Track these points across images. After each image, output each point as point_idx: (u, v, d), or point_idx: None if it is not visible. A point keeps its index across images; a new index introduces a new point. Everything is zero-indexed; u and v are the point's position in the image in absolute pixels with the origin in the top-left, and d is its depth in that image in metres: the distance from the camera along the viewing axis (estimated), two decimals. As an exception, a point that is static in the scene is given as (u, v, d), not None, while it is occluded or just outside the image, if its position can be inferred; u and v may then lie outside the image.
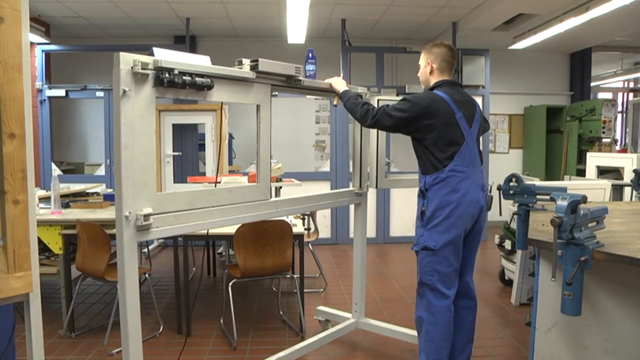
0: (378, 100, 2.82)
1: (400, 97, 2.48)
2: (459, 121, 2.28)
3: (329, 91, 2.69)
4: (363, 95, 2.93)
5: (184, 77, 1.77)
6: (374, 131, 2.92)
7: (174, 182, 5.73)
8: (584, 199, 1.65)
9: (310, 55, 2.55)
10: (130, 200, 1.67)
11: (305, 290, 3.39)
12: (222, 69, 1.96)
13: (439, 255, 2.26)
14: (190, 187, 4.84)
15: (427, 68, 2.44)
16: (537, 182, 3.35)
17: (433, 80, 2.44)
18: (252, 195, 2.24)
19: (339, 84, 2.61)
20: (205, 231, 2.33)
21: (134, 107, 1.67)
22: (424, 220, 2.30)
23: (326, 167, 6.27)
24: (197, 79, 1.82)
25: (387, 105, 2.33)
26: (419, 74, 2.53)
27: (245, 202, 2.19)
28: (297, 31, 5.52)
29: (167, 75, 1.71)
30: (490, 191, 2.47)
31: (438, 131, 2.25)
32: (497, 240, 4.14)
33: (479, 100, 6.21)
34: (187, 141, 6.07)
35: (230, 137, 6.21)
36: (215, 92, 1.96)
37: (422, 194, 2.33)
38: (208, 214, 2.00)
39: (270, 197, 2.35)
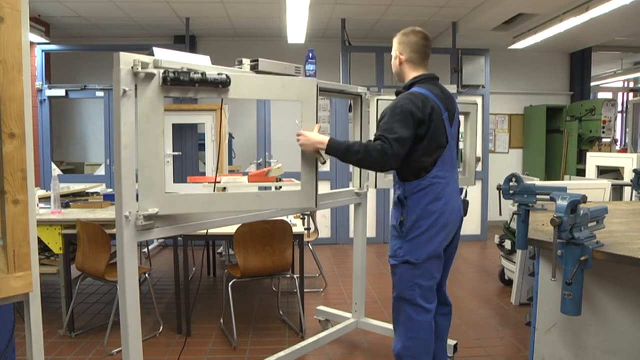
0: (378, 100, 2.75)
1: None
2: (445, 122, 2.09)
3: (329, 91, 2.66)
4: (363, 95, 2.90)
5: (195, 76, 1.70)
6: (372, 131, 2.79)
7: (174, 182, 5.73)
8: (584, 199, 1.65)
9: (310, 55, 2.55)
10: (131, 200, 1.66)
11: (305, 290, 3.39)
12: (223, 69, 1.96)
13: (421, 268, 2.06)
14: (191, 187, 4.85)
15: (397, 60, 2.20)
16: (537, 182, 3.35)
17: (408, 74, 2.20)
18: (293, 201, 2.01)
19: (314, 136, 2.12)
20: (205, 231, 2.32)
21: (142, 107, 1.65)
22: (403, 232, 2.08)
23: (326, 167, 6.27)
24: (209, 76, 1.74)
25: (382, 129, 1.99)
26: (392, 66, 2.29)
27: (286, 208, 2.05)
28: (297, 31, 5.52)
29: (172, 74, 1.67)
30: (466, 196, 2.32)
31: (430, 135, 2.04)
32: (497, 240, 4.14)
33: (478, 100, 6.22)
34: (187, 141, 6.07)
35: (230, 137, 6.21)
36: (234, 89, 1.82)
37: (401, 204, 2.10)
38: (208, 213, 1.99)
39: (316, 205, 2.10)
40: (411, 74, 2.19)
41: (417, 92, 2.07)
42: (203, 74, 1.73)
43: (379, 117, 2.18)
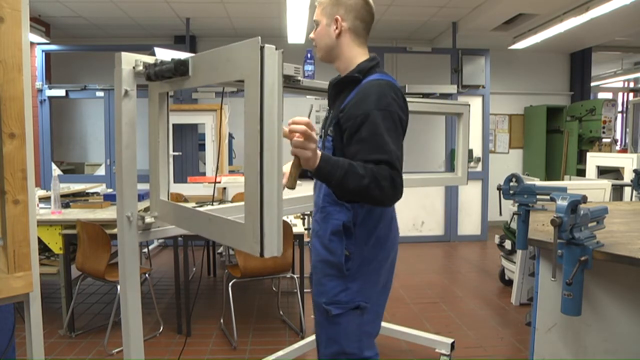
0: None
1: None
2: None
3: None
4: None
5: (155, 68, 1.51)
6: None
7: (174, 182, 5.74)
8: (584, 199, 1.64)
9: (308, 55, 2.54)
10: (132, 200, 1.66)
11: (305, 290, 3.38)
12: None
13: (371, 311, 1.59)
14: (191, 187, 4.85)
15: (333, 27, 1.56)
16: (537, 182, 3.35)
17: (350, 51, 1.59)
18: (231, 236, 1.33)
19: (307, 149, 1.33)
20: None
21: (149, 106, 1.65)
22: (350, 269, 1.55)
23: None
24: (163, 66, 1.48)
25: (375, 146, 1.40)
26: (313, 36, 1.63)
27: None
28: (297, 31, 5.52)
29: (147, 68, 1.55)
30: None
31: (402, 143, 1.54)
32: (497, 240, 4.14)
33: (479, 100, 6.21)
34: (187, 141, 6.07)
35: (230, 137, 6.21)
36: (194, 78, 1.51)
37: (347, 233, 1.55)
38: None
39: (262, 253, 1.15)
40: (355, 51, 1.60)
41: (389, 81, 1.53)
42: (161, 62, 1.50)
43: (349, 109, 1.51)
